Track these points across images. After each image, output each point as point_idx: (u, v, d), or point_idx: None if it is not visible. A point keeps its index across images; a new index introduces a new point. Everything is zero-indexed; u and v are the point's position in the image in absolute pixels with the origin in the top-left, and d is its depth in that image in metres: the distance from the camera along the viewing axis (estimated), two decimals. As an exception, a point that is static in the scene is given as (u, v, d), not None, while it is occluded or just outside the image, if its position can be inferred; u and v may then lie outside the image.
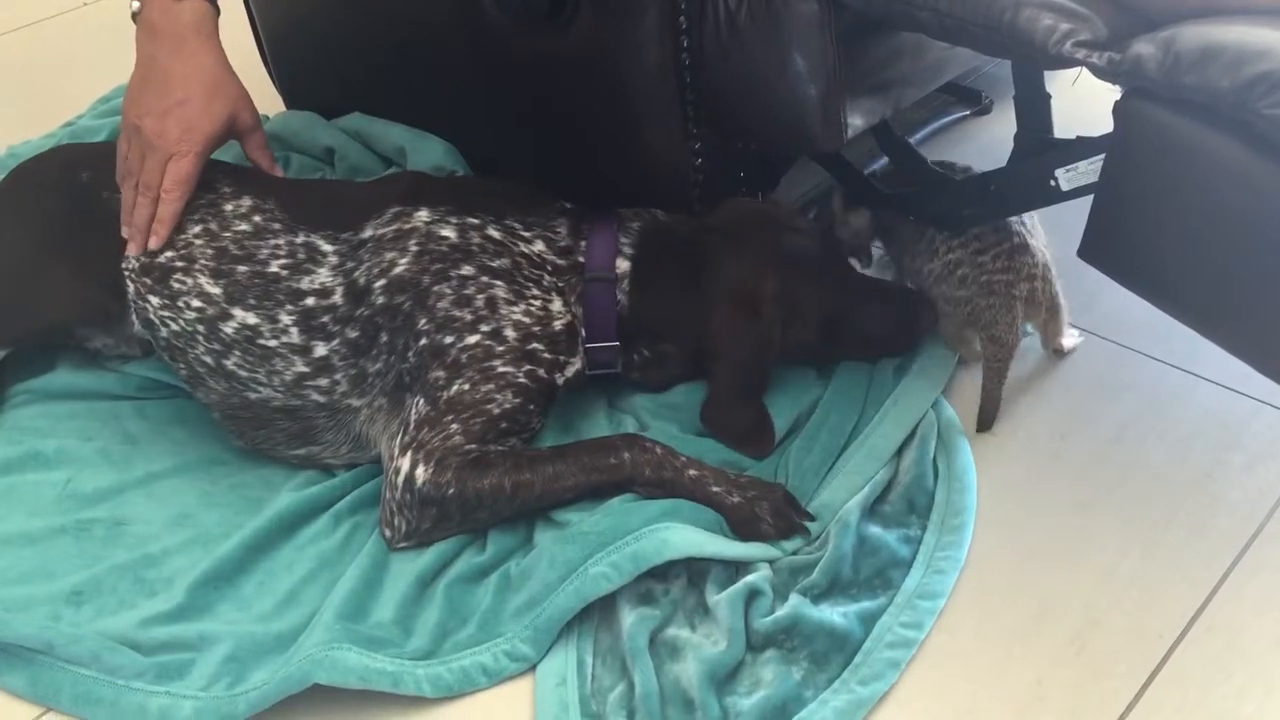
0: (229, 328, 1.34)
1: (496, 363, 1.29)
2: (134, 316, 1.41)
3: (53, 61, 2.28)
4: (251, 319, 1.34)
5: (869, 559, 1.24)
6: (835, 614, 1.18)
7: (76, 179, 1.46)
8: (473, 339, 1.29)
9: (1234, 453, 1.37)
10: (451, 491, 1.24)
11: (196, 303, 1.35)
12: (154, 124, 1.33)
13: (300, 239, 1.36)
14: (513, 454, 1.27)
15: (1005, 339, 1.38)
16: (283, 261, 1.35)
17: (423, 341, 1.30)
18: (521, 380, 1.30)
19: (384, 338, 1.32)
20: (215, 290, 1.35)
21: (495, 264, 1.32)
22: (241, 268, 1.35)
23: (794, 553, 1.25)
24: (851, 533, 1.24)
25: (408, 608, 1.22)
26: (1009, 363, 1.39)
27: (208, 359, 1.36)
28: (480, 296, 1.30)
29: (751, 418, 1.36)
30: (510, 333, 1.30)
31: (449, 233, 1.33)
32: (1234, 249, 1.10)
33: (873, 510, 1.30)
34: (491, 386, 1.28)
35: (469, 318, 1.30)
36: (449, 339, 1.29)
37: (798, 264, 1.38)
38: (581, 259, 1.36)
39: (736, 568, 1.23)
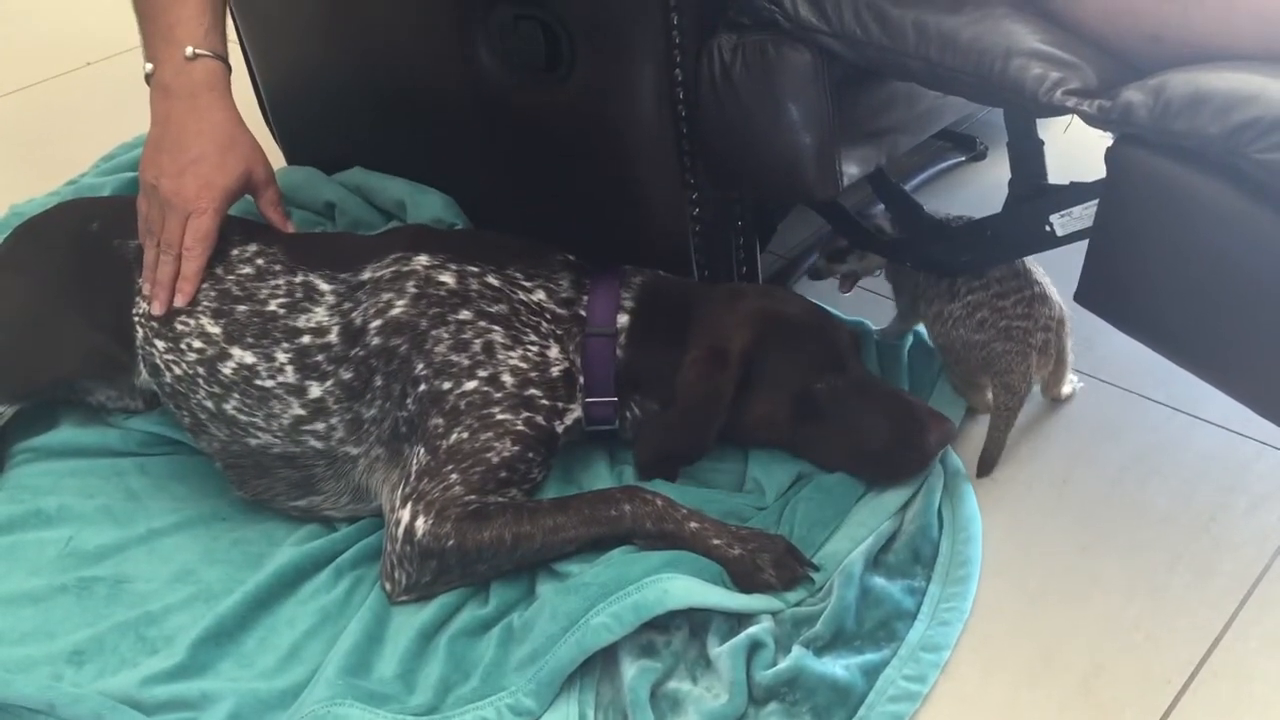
0: (227, 368, 1.35)
1: (495, 410, 1.29)
2: (142, 364, 1.42)
3: (56, 120, 2.30)
4: (249, 358, 1.35)
5: (873, 610, 1.23)
6: (838, 666, 1.17)
7: (87, 229, 1.47)
8: (470, 385, 1.29)
9: (1237, 495, 1.37)
10: (451, 543, 1.24)
11: (197, 344, 1.36)
12: (171, 183, 1.35)
13: (299, 278, 1.38)
14: (513, 506, 1.27)
15: (1018, 387, 1.37)
16: (281, 300, 1.37)
17: (421, 388, 1.30)
18: (520, 428, 1.30)
19: (378, 381, 1.32)
20: (215, 330, 1.36)
21: (493, 309, 1.33)
22: (241, 307, 1.37)
23: (797, 604, 1.24)
24: (855, 584, 1.24)
25: (410, 662, 1.21)
26: (1018, 410, 1.39)
27: (208, 404, 1.36)
28: (478, 341, 1.31)
29: (666, 453, 1.36)
30: (508, 378, 1.30)
31: (447, 278, 1.34)
32: (1227, 293, 1.10)
33: (877, 561, 1.29)
34: (490, 435, 1.28)
35: (466, 363, 1.30)
36: (447, 385, 1.29)
37: (784, 334, 1.35)
38: (583, 312, 1.37)
39: (738, 619, 1.22)
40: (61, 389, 1.49)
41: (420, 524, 1.24)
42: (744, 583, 1.24)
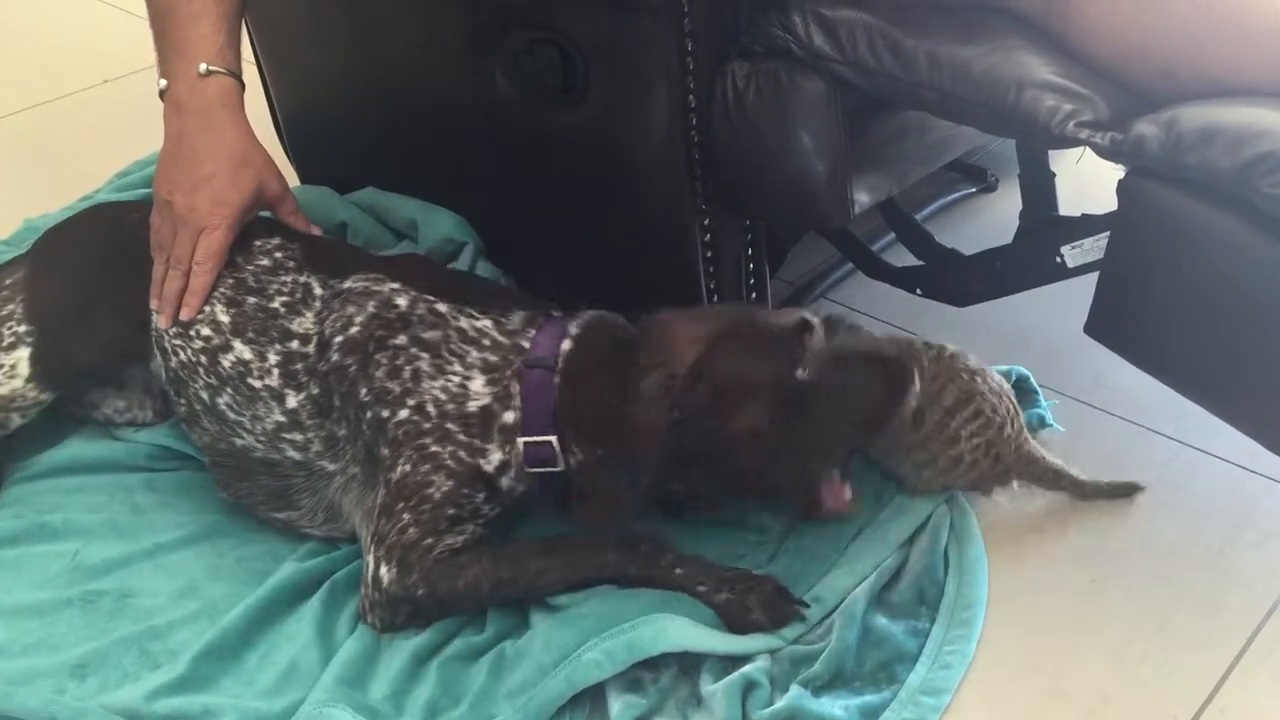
0: (227, 361, 1.35)
1: (427, 440, 1.25)
2: (154, 347, 1.42)
3: (72, 136, 2.31)
4: (247, 354, 1.35)
5: (873, 651, 1.22)
6: (836, 707, 1.15)
7: (125, 222, 1.49)
8: (403, 414, 1.26)
9: (1246, 530, 1.36)
10: (421, 591, 1.22)
11: (206, 331, 1.37)
12: (184, 199, 1.36)
13: (303, 278, 1.37)
14: (490, 553, 1.24)
15: (1053, 469, 1.37)
16: (284, 298, 1.36)
17: (367, 414, 1.28)
18: (449, 463, 1.24)
19: (337, 401, 1.31)
20: (225, 319, 1.37)
21: (425, 335, 1.29)
22: (251, 299, 1.37)
23: (795, 640, 1.23)
24: (857, 623, 1.22)
25: (401, 683, 1.20)
26: (1068, 470, 1.37)
27: (204, 395, 1.37)
28: (408, 368, 1.27)
29: (615, 490, 1.23)
30: (431, 409, 1.26)
31: (402, 302, 1.31)
32: (1237, 326, 1.10)
33: (880, 599, 1.27)
34: (428, 467, 1.24)
35: (398, 390, 1.27)
36: (385, 412, 1.27)
37: (733, 340, 1.22)
38: (524, 343, 1.28)
39: (733, 657, 1.20)
40: (97, 375, 1.49)
41: (385, 573, 1.23)
42: (734, 625, 1.22)
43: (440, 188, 1.71)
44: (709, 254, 1.48)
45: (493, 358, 1.27)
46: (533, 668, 1.18)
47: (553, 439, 1.24)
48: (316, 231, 1.49)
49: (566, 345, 1.27)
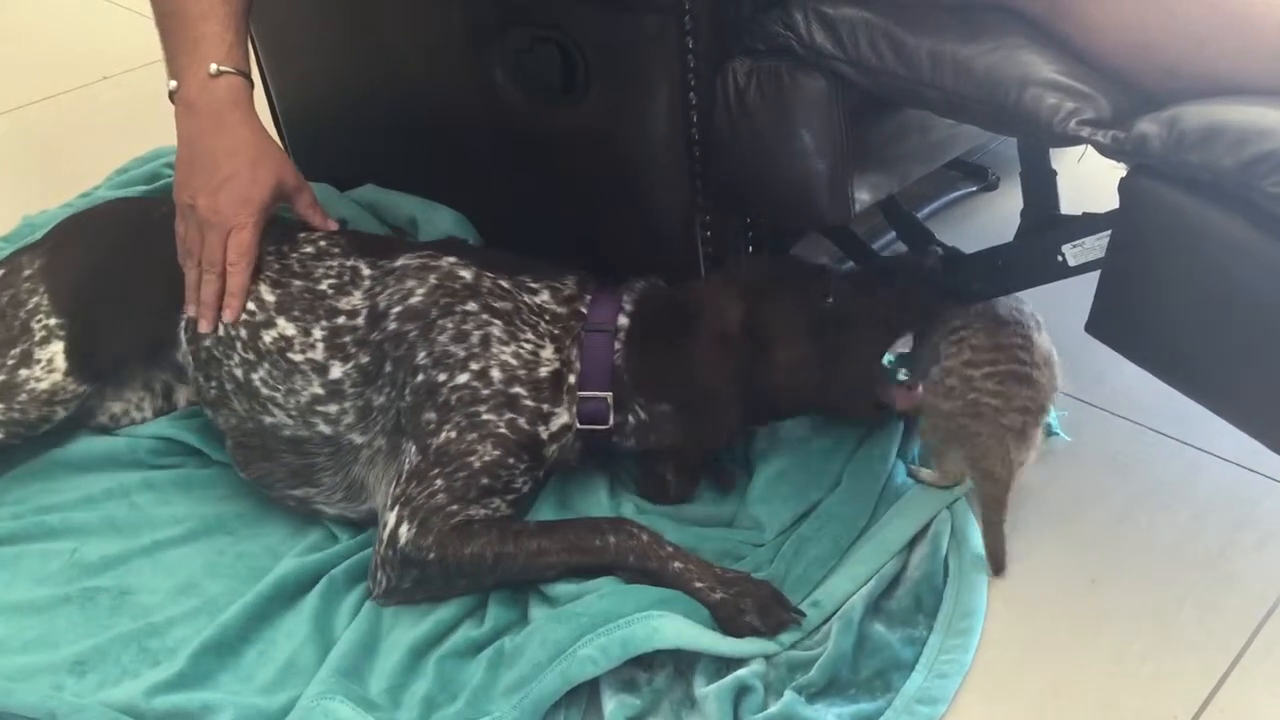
0: (268, 337, 1.38)
1: (481, 408, 1.30)
2: (182, 332, 1.43)
3: (71, 133, 2.31)
4: (290, 330, 1.38)
5: (869, 659, 1.21)
6: (830, 714, 1.15)
7: (149, 214, 1.50)
8: (462, 378, 1.30)
9: (1246, 531, 1.36)
10: (432, 556, 1.25)
11: (250, 306, 1.39)
12: (207, 202, 1.37)
13: (350, 262, 1.41)
14: (499, 525, 1.28)
15: (999, 475, 1.29)
16: (331, 280, 1.40)
17: (419, 378, 1.32)
18: (502, 430, 1.30)
19: (388, 367, 1.34)
20: (270, 298, 1.39)
21: (498, 305, 1.35)
22: (297, 282, 1.40)
23: (791, 646, 1.22)
24: (853, 631, 1.22)
25: (399, 677, 1.21)
26: (1006, 498, 1.29)
27: (238, 372, 1.39)
28: (476, 333, 1.32)
29: (692, 460, 1.38)
30: (496, 374, 1.31)
31: (466, 274, 1.37)
32: (1238, 324, 1.10)
33: (878, 606, 1.27)
34: (475, 436, 1.29)
35: (462, 354, 1.31)
36: (442, 376, 1.31)
37: (770, 286, 1.36)
38: (583, 309, 1.37)
39: (727, 660, 1.20)
40: (129, 363, 1.49)
41: (404, 531, 1.26)
42: (728, 627, 1.22)
43: (440, 186, 1.71)
44: (710, 251, 1.48)
45: (556, 328, 1.36)
46: (529, 664, 1.18)
47: (607, 395, 1.33)
48: (333, 225, 1.51)
49: (626, 313, 1.36)
